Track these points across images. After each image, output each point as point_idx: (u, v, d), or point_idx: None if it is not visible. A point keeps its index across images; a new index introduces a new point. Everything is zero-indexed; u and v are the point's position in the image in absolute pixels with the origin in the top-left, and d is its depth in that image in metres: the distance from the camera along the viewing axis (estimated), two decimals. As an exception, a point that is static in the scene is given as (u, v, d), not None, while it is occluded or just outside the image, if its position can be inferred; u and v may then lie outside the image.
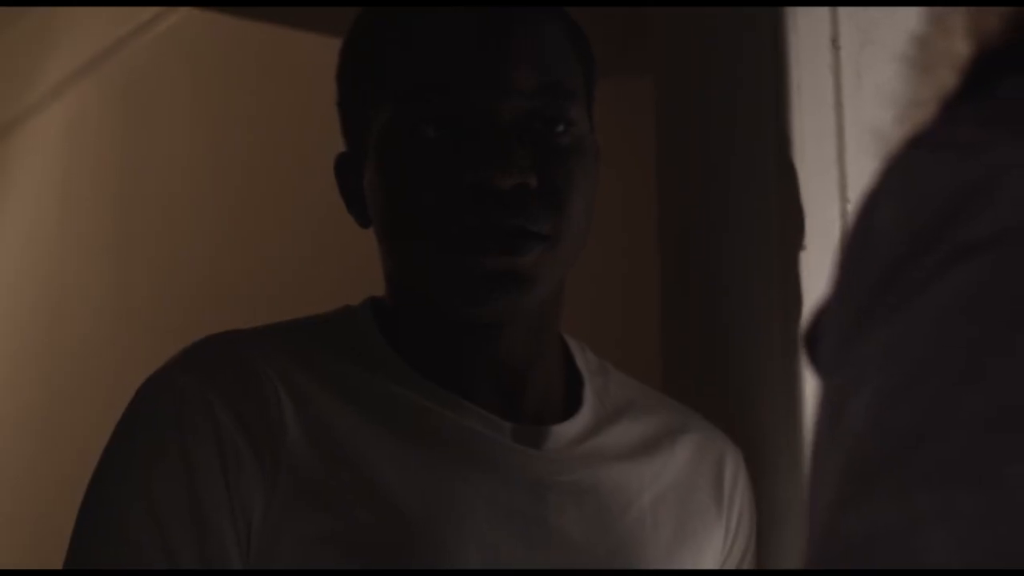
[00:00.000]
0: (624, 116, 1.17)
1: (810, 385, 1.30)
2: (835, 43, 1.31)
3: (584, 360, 1.22)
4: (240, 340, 1.11)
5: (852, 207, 1.29)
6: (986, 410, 0.41)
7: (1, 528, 3.87)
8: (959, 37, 0.51)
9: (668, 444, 1.20)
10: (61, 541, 1.07)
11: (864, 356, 0.45)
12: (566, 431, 1.15)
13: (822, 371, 0.48)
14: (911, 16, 1.24)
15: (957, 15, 0.51)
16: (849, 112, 1.30)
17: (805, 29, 1.34)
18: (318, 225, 2.71)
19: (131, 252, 3.56)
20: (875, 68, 1.27)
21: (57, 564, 1.06)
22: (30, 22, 4.09)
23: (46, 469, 3.68)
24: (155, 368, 1.10)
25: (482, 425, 1.11)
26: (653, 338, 1.48)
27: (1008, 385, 0.41)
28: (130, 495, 1.04)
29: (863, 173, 1.28)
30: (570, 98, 1.12)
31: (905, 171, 0.48)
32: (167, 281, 3.36)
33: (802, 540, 1.26)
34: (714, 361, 1.39)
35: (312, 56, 2.63)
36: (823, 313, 0.49)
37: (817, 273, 1.30)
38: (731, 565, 1.22)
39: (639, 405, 1.22)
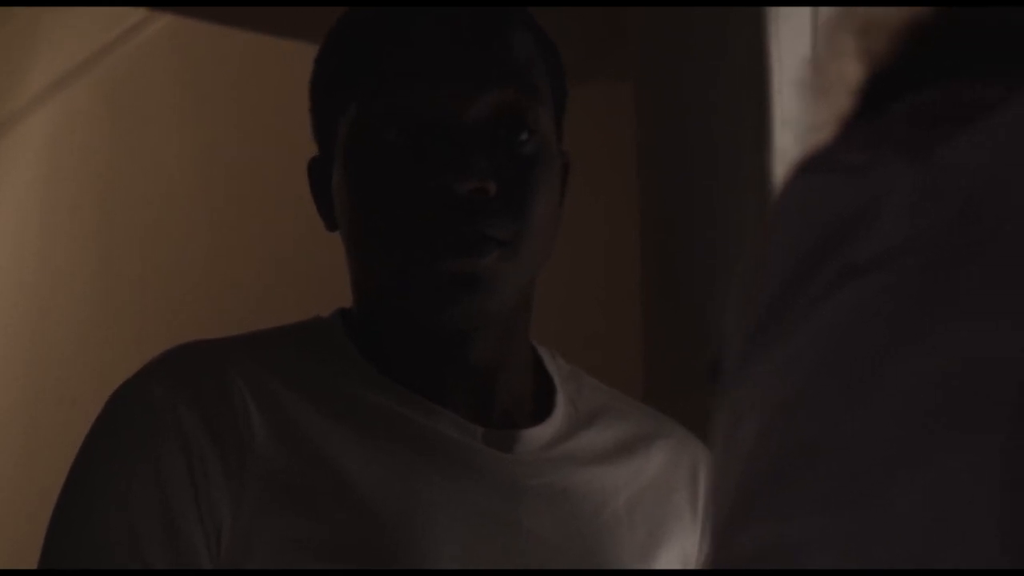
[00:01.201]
0: (604, 120, 1.17)
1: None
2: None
3: (555, 366, 1.23)
4: (210, 349, 1.13)
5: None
6: (865, 432, 0.42)
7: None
8: (851, 59, 0.51)
9: (643, 448, 1.21)
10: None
11: (753, 380, 0.46)
12: (538, 435, 1.16)
13: (720, 391, 0.49)
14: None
15: (847, 37, 0.51)
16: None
17: (787, 37, 1.35)
18: (304, 229, 2.71)
19: (117, 255, 3.56)
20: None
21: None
22: (16, 26, 4.08)
23: (31, 471, 3.67)
24: (138, 367, 1.12)
25: (452, 429, 1.12)
26: (636, 343, 1.48)
27: (885, 408, 0.42)
28: (102, 502, 1.05)
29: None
30: (536, 105, 1.12)
31: (793, 196, 0.48)
32: (153, 284, 3.36)
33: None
34: (698, 367, 1.39)
35: (296, 62, 2.63)
36: (724, 334, 0.50)
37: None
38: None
39: (613, 410, 1.23)
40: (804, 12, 1.33)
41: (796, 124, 0.53)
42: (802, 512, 0.42)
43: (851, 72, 0.51)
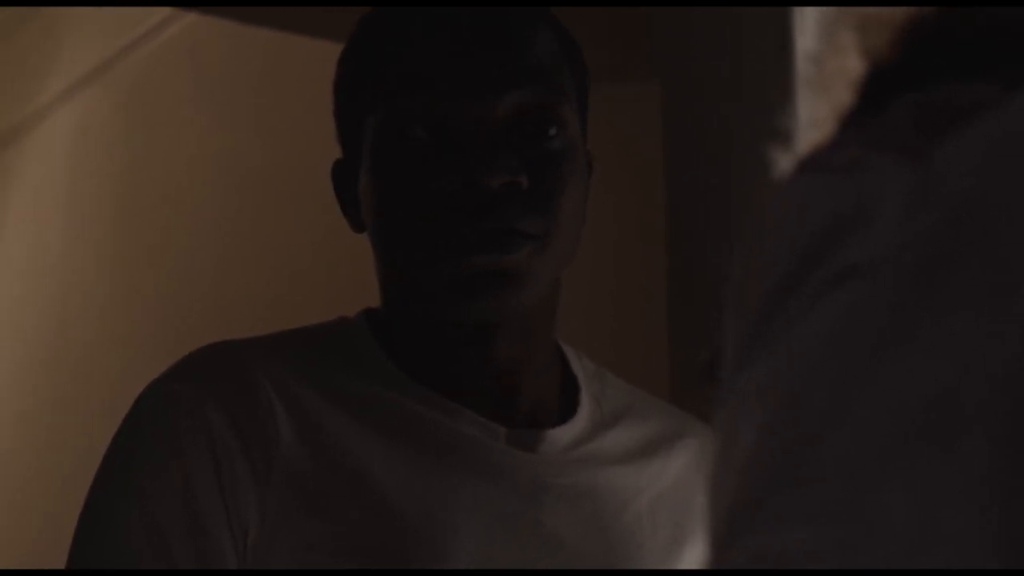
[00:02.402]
0: (630, 120, 1.16)
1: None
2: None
3: (580, 365, 1.22)
4: (236, 350, 1.12)
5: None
6: (851, 446, 0.41)
7: (7, 532, 3.88)
8: (852, 55, 0.50)
9: (666, 448, 1.20)
10: (65, 544, 1.08)
11: (748, 387, 0.45)
12: (562, 435, 1.15)
13: (718, 397, 0.48)
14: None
15: (848, 32, 0.51)
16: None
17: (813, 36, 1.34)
18: (324, 231, 2.71)
19: (135, 258, 3.56)
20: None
21: (62, 567, 1.07)
22: (36, 29, 4.09)
23: (50, 473, 3.68)
24: (158, 370, 1.11)
25: (476, 429, 1.11)
26: (662, 345, 1.48)
27: (871, 419, 0.41)
28: (129, 505, 1.05)
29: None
30: (562, 101, 1.12)
31: (787, 196, 0.48)
32: (171, 286, 3.36)
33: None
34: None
35: (316, 62, 2.63)
36: (720, 339, 0.49)
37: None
38: None
39: (637, 410, 1.22)
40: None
41: (822, 124, 0.51)
42: (797, 522, 0.41)
43: (851, 68, 0.50)
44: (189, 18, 3.19)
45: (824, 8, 0.54)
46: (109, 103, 3.75)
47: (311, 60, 2.63)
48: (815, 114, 0.52)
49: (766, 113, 1.35)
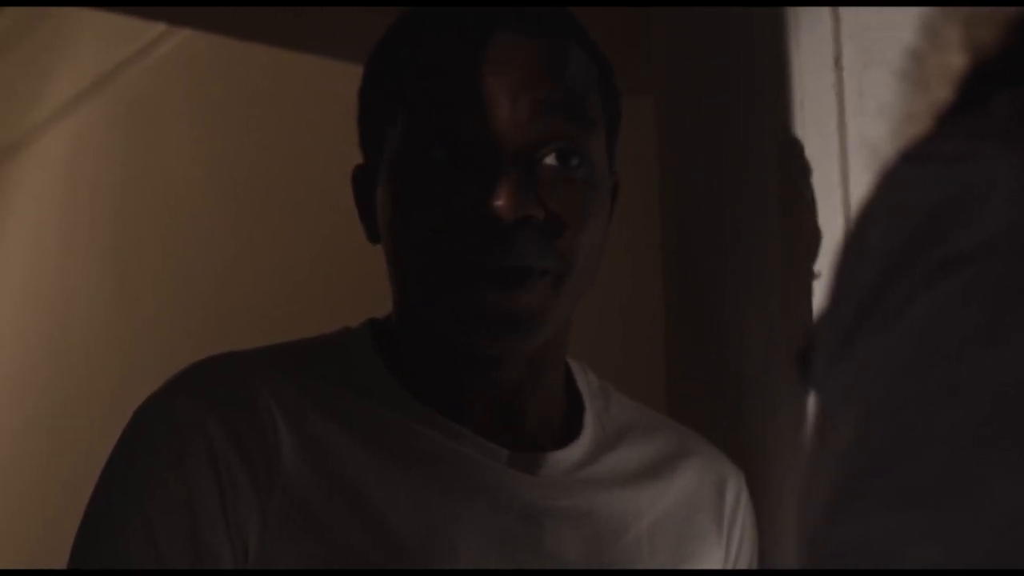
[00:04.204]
0: (625, 135, 1.17)
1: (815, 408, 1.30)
2: (838, 63, 1.31)
3: (586, 382, 1.21)
4: (237, 362, 1.10)
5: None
6: (966, 426, 0.42)
7: (7, 536, 3.88)
8: (955, 51, 0.51)
9: (668, 469, 1.19)
10: (65, 555, 1.07)
11: (849, 374, 0.45)
12: (564, 458, 1.14)
13: (814, 387, 0.48)
14: (914, 35, 1.24)
15: (953, 29, 0.51)
16: (852, 132, 1.30)
17: (808, 49, 1.34)
18: (320, 242, 2.71)
19: (134, 269, 3.57)
20: (878, 88, 1.28)
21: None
22: (34, 43, 4.10)
23: (51, 480, 3.68)
24: (157, 382, 1.09)
25: (477, 451, 1.10)
26: (657, 361, 1.48)
27: (986, 399, 0.42)
28: (130, 520, 1.02)
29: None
30: (588, 130, 1.08)
31: (892, 186, 0.48)
32: (169, 298, 3.37)
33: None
34: (719, 385, 1.39)
35: (312, 77, 2.63)
36: (816, 330, 0.49)
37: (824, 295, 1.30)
38: None
39: (640, 428, 1.21)
40: (826, 23, 1.33)
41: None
42: (900, 507, 0.41)
43: (954, 64, 0.51)
44: (185, 33, 3.20)
45: (930, 7, 0.54)
46: (106, 118, 3.75)
47: (307, 75, 2.63)
48: (913, 109, 0.52)
49: (761, 126, 1.36)
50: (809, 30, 1.34)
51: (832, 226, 1.30)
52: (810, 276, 1.30)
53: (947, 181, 0.45)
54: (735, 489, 1.23)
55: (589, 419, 1.18)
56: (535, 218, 1.04)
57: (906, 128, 0.52)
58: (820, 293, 1.30)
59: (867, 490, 0.43)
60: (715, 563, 1.19)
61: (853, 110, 1.30)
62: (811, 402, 0.50)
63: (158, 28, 3.34)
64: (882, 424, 0.43)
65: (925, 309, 0.44)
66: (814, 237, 1.30)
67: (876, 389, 0.44)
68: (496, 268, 1.04)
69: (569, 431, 1.17)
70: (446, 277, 1.05)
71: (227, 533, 1.02)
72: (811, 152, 1.32)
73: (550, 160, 1.07)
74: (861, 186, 1.29)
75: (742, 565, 1.23)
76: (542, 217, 1.05)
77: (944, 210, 0.45)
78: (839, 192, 1.30)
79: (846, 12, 1.31)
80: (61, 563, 1.07)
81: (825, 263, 1.30)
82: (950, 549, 0.40)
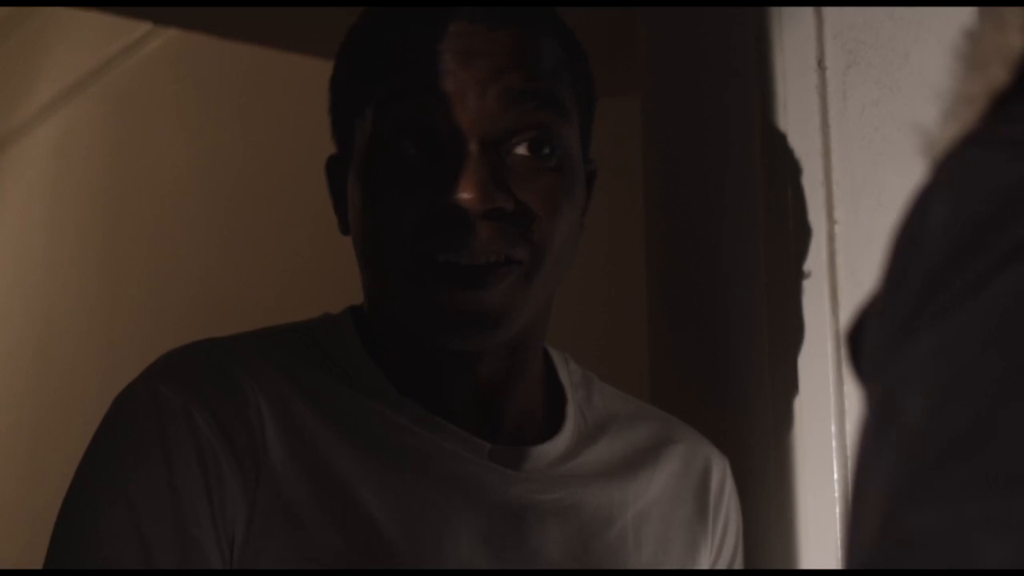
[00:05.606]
0: (611, 134, 1.17)
1: (799, 399, 1.31)
2: (821, 64, 1.32)
3: (567, 373, 1.20)
4: (221, 350, 1.07)
5: (839, 227, 1.29)
6: None
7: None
8: (1014, 32, 0.50)
9: (652, 459, 1.19)
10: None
11: (914, 359, 0.44)
12: (546, 451, 1.13)
13: (867, 373, 0.47)
14: (897, 37, 1.25)
15: (1014, 10, 0.50)
16: (835, 132, 1.31)
17: (791, 50, 1.35)
18: (306, 239, 2.72)
19: (120, 268, 3.56)
20: (861, 89, 1.28)
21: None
22: (20, 41, 4.09)
23: (35, 481, 3.67)
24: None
25: (460, 446, 1.09)
26: (640, 353, 1.48)
27: None
28: (113, 508, 0.99)
29: (850, 193, 1.29)
30: (559, 120, 1.07)
31: (957, 170, 0.47)
32: (156, 297, 3.36)
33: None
34: (701, 376, 1.39)
35: (298, 73, 2.64)
36: (868, 314, 0.48)
37: (810, 293, 1.31)
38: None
39: (622, 418, 1.20)
40: (809, 24, 1.33)
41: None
42: (973, 494, 0.41)
43: (1012, 45, 0.50)
44: (172, 31, 3.20)
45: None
46: (93, 115, 3.75)
47: (293, 72, 2.63)
48: (969, 90, 0.50)
49: (745, 124, 1.37)
50: (792, 31, 1.34)
51: (815, 225, 1.31)
52: (799, 276, 1.31)
53: (1012, 167, 0.45)
54: (719, 474, 1.23)
55: (571, 410, 1.17)
56: (503, 209, 1.03)
57: (960, 110, 0.50)
58: (810, 292, 1.31)
59: (933, 479, 0.42)
60: (701, 549, 1.19)
61: (836, 111, 1.31)
62: (860, 387, 0.49)
63: (144, 26, 3.34)
64: (957, 409, 0.42)
65: (991, 295, 0.43)
66: (799, 236, 1.31)
67: (941, 377, 0.43)
68: (459, 266, 1.03)
69: (551, 423, 1.16)
70: (410, 273, 1.04)
71: (213, 523, 0.99)
72: (795, 152, 1.33)
73: (521, 150, 1.06)
74: (844, 187, 1.30)
75: (727, 549, 1.23)
76: (511, 208, 1.04)
77: (1009, 195, 0.44)
78: (822, 192, 1.31)
79: (829, 12, 1.31)
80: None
81: (812, 262, 1.31)
82: (1015, 541, 0.39)
